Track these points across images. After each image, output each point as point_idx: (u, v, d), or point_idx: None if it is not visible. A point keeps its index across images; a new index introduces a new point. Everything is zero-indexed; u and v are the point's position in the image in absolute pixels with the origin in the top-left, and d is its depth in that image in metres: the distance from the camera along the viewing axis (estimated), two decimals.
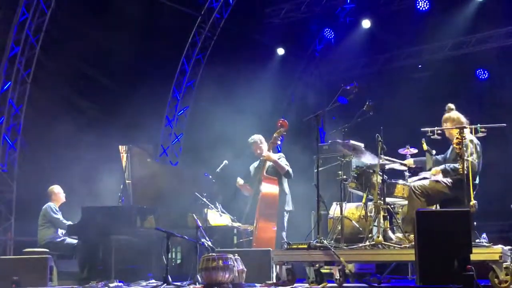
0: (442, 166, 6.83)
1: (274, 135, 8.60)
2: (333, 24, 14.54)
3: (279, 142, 8.83)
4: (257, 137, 8.77)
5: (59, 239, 8.93)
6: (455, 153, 6.65)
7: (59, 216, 9.01)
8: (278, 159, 8.57)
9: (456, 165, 6.63)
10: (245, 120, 12.22)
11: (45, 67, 11.51)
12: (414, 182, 7.05)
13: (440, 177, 6.82)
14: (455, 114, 6.88)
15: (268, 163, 8.52)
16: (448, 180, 6.73)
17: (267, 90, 13.69)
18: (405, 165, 7.21)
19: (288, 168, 8.55)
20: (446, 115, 6.94)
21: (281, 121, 8.72)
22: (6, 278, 8.12)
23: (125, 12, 11.63)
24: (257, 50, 13.81)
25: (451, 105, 6.99)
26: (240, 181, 8.70)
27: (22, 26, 11.02)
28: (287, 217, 8.47)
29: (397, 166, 7.19)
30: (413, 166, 7.23)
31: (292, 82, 15.48)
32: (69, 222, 8.88)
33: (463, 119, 6.81)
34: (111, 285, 7.37)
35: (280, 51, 14.48)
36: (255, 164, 8.85)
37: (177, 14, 12.78)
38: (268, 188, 8.30)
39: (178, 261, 9.44)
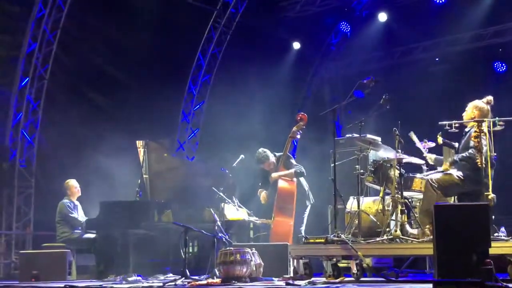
0: (451, 160, 6.77)
1: (293, 129, 8.49)
2: (349, 17, 14.47)
3: (298, 137, 8.60)
4: (264, 155, 8.53)
5: (76, 235, 8.99)
6: (465, 143, 6.62)
7: (75, 214, 9.04)
8: (290, 160, 8.49)
9: (464, 154, 6.59)
10: (260, 115, 12.23)
11: (62, 63, 11.60)
12: (431, 174, 7.00)
13: (454, 171, 6.77)
14: (484, 105, 6.71)
15: (285, 159, 8.43)
16: (462, 174, 6.68)
17: (283, 84, 13.68)
18: (424, 158, 7.15)
19: (294, 169, 8.43)
20: (476, 102, 6.77)
21: (300, 115, 8.59)
22: (26, 272, 8.23)
23: (141, 7, 11.69)
24: (272, 44, 13.78)
25: (490, 98, 6.75)
26: (263, 196, 8.67)
27: (39, 23, 11.11)
28: (307, 212, 8.44)
29: (414, 160, 7.15)
30: (431, 162, 7.18)
31: (307, 76, 15.44)
32: (85, 218, 8.95)
33: (489, 113, 6.67)
34: (129, 279, 7.42)
35: (296, 45, 14.45)
36: None
37: (193, 9, 12.79)
38: (285, 183, 8.26)
39: (195, 256, 9.47)
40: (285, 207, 8.12)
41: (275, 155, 8.58)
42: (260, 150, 8.62)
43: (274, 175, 8.43)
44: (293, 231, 8.07)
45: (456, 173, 6.71)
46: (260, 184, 8.80)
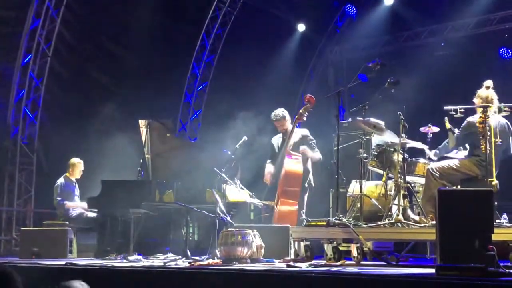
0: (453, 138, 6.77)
1: (300, 111, 8.27)
2: (355, 0, 14.35)
3: (304, 119, 8.32)
4: (283, 113, 8.40)
5: (76, 214, 8.99)
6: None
7: (58, 199, 9.01)
8: (310, 141, 8.33)
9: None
10: (264, 96, 12.16)
11: (65, 40, 11.53)
12: (432, 163, 6.95)
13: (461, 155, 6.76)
14: (484, 92, 6.69)
15: (293, 139, 8.27)
16: (458, 161, 6.66)
17: (287, 66, 13.60)
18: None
19: (320, 156, 8.30)
20: (478, 91, 6.76)
21: (308, 97, 8.36)
22: (26, 249, 8.25)
23: None
24: (277, 26, 13.68)
25: (487, 82, 6.72)
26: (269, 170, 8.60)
27: None
28: (307, 194, 8.37)
29: (418, 145, 7.12)
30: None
31: (312, 58, 15.35)
32: (66, 202, 8.98)
33: (492, 97, 6.62)
34: (130, 258, 7.42)
35: (301, 27, 14.33)
36: (277, 137, 8.63)
37: None
38: (293, 165, 8.01)
39: (196, 236, 9.48)
40: (290, 190, 7.94)
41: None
42: (278, 110, 8.46)
43: (303, 148, 8.18)
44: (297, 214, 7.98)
45: (452, 161, 6.70)
46: (269, 160, 8.63)
